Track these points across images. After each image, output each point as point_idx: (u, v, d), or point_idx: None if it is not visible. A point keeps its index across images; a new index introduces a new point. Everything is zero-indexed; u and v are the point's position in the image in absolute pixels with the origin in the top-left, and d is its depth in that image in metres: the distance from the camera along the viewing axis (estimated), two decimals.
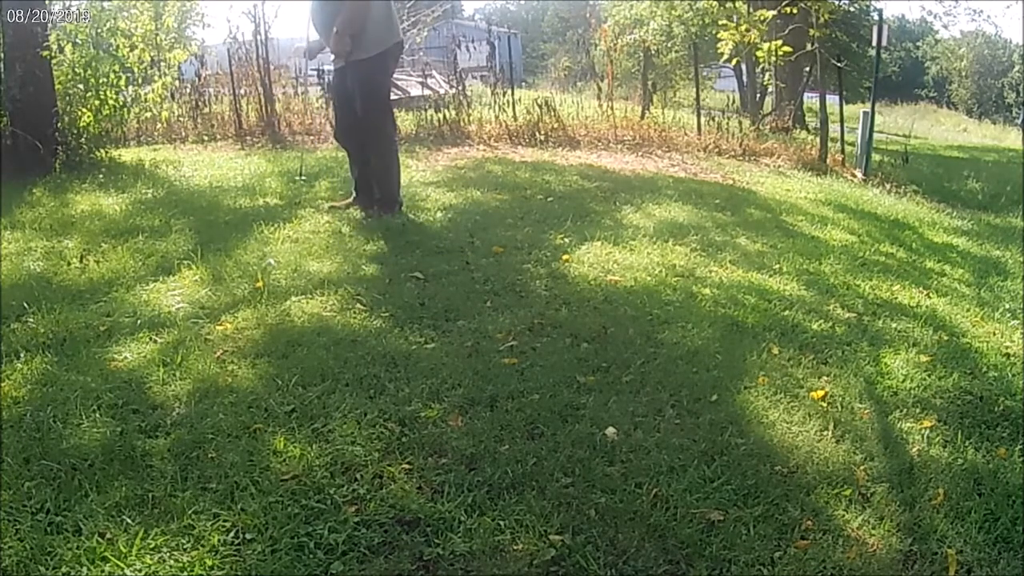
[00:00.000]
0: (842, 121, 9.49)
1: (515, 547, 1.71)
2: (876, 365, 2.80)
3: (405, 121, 8.61)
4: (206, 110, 8.19)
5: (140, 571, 1.61)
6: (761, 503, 1.90)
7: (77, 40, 5.88)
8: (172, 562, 1.63)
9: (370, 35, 3.97)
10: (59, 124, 5.63)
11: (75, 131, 5.81)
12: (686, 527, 1.80)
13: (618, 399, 2.36)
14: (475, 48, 10.49)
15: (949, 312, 3.59)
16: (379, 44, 4.00)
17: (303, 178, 5.24)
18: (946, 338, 3.17)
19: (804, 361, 2.76)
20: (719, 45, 9.56)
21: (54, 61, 5.69)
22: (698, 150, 8.39)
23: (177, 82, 8.09)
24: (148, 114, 7.34)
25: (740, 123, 9.36)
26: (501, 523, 1.78)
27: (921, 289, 3.94)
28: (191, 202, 4.62)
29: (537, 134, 8.28)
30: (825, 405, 2.43)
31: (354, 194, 4.44)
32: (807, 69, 12.91)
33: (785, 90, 14.10)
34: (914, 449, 2.22)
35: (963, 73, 45.32)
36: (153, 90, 7.06)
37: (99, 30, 6.06)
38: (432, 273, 3.39)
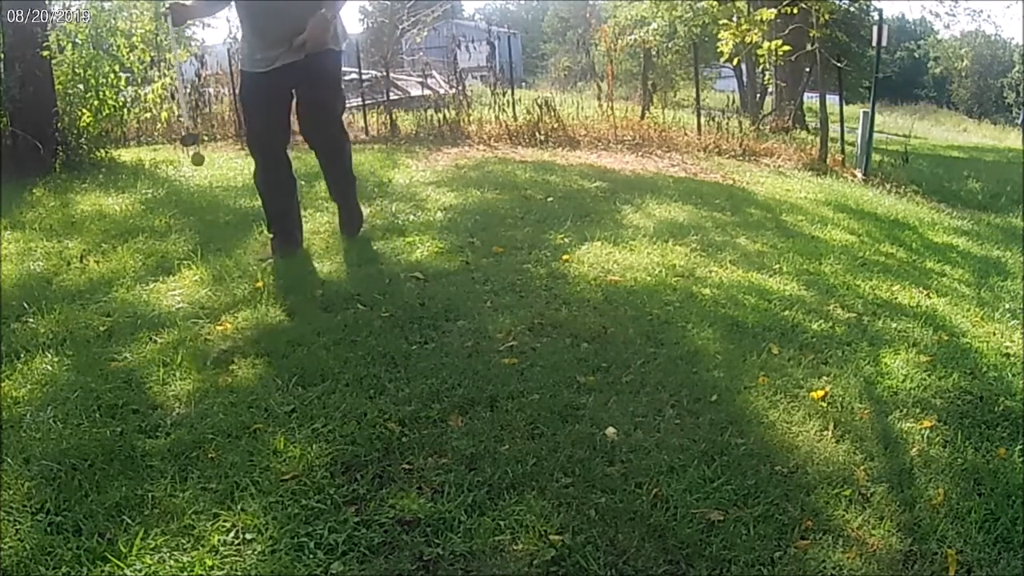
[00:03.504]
0: (842, 121, 9.49)
1: (515, 547, 1.71)
2: (876, 365, 2.80)
3: (405, 121, 8.61)
4: (206, 110, 8.20)
5: (140, 571, 1.61)
6: (761, 503, 1.90)
7: (77, 40, 5.89)
8: (172, 562, 1.63)
9: (340, 27, 3.56)
10: (59, 124, 5.64)
11: (75, 131, 5.82)
12: (686, 527, 1.79)
13: (618, 399, 2.36)
14: (475, 48, 10.51)
15: (949, 312, 3.59)
16: (344, 38, 3.60)
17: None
18: (946, 338, 3.17)
19: (804, 361, 2.76)
20: (719, 45, 9.57)
21: (54, 61, 5.70)
22: (698, 150, 8.39)
23: (177, 82, 8.09)
24: (148, 114, 7.35)
25: (740, 123, 9.35)
26: (501, 523, 1.78)
27: (921, 289, 3.94)
28: (191, 202, 4.62)
29: (537, 134, 8.29)
30: (825, 405, 2.43)
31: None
32: (807, 69, 12.91)
33: (785, 90, 14.11)
34: (914, 449, 2.22)
35: (963, 73, 45.33)
36: (153, 90, 7.07)
37: (99, 30, 6.06)
38: (432, 273, 3.39)
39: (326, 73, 3.47)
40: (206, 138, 7.60)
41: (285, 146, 3.57)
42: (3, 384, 2.35)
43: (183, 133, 4.35)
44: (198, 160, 3.72)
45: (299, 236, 3.68)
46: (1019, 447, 2.25)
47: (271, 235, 3.63)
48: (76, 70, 5.91)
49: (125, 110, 6.58)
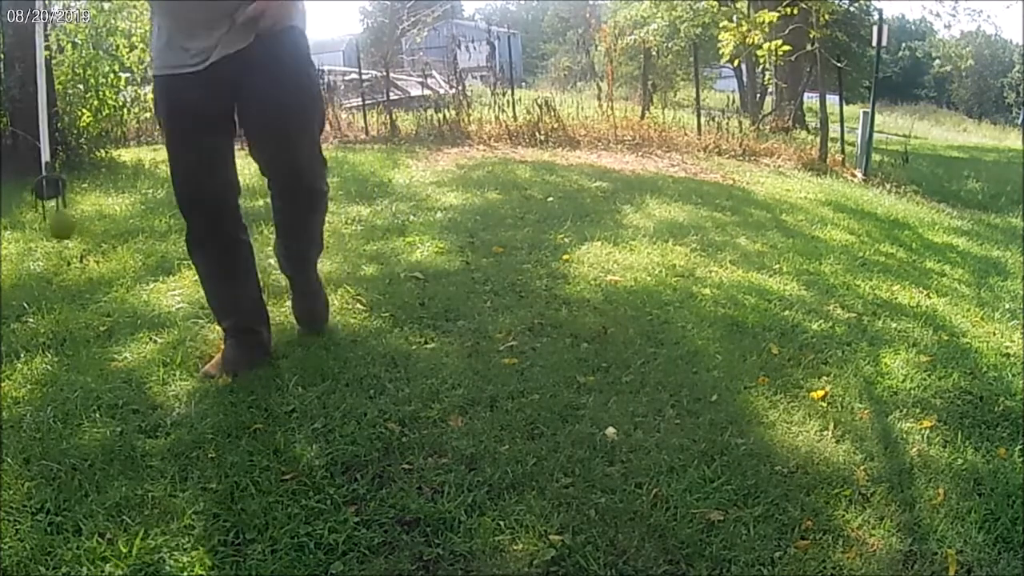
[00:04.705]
0: (842, 121, 9.50)
1: (515, 547, 1.71)
2: (876, 365, 2.80)
3: (405, 121, 8.61)
4: None
5: (140, 571, 1.61)
6: (761, 503, 1.90)
7: (77, 40, 5.89)
8: (172, 562, 1.63)
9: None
10: (59, 124, 5.64)
11: (75, 131, 5.82)
12: (686, 527, 1.79)
13: (618, 399, 2.36)
14: (475, 48, 10.52)
15: (949, 312, 3.59)
16: (304, 15, 2.32)
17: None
18: (946, 338, 3.17)
19: (804, 361, 2.76)
20: (719, 45, 9.59)
21: (54, 61, 5.70)
22: (698, 150, 8.40)
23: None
24: (148, 114, 7.35)
25: (740, 123, 9.37)
26: (501, 523, 1.78)
27: (921, 289, 3.94)
28: None
29: (537, 134, 8.29)
30: (825, 405, 2.43)
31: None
32: (807, 69, 12.92)
33: (785, 90, 14.11)
34: (914, 449, 2.22)
35: (963, 73, 45.30)
36: (153, 90, 7.07)
37: (99, 30, 6.07)
38: (432, 273, 3.39)
39: (289, 59, 2.22)
40: None
41: (236, 196, 2.34)
42: (3, 384, 2.35)
43: (40, 174, 2.17)
44: (63, 226, 2.23)
45: (266, 334, 2.51)
46: (1019, 447, 2.25)
47: (223, 331, 2.48)
48: (76, 70, 5.92)
49: (125, 110, 6.59)
